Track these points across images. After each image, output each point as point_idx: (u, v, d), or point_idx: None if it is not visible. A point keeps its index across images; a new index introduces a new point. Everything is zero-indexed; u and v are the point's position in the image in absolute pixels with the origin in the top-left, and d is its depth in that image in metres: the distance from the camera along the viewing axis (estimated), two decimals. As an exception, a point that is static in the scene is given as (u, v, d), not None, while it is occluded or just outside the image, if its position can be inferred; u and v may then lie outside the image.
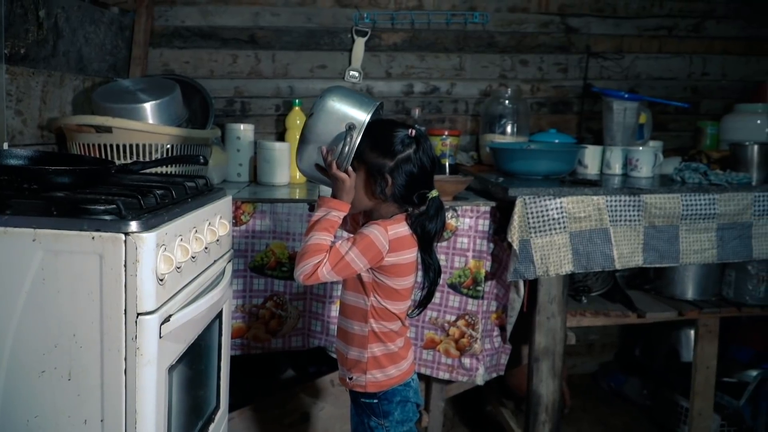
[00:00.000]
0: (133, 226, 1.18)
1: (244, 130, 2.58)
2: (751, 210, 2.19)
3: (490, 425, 2.77)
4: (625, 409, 2.95)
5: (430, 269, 1.59)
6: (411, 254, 1.55)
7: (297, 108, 2.69)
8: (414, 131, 1.52)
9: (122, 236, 1.16)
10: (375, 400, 1.60)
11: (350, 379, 1.61)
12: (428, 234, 1.54)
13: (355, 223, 1.69)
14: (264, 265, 2.18)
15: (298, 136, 2.60)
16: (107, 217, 1.19)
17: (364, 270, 1.51)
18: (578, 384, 3.12)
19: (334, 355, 1.90)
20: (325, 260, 1.45)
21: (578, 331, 3.12)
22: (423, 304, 1.63)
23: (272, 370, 2.71)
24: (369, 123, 1.51)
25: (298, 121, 2.66)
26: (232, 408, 1.99)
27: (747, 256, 2.21)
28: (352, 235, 1.54)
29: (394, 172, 1.49)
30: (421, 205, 1.53)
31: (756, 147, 2.40)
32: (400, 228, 1.52)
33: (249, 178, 2.59)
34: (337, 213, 1.50)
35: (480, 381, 2.27)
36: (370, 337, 1.57)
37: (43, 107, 2.11)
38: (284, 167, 2.51)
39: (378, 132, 1.51)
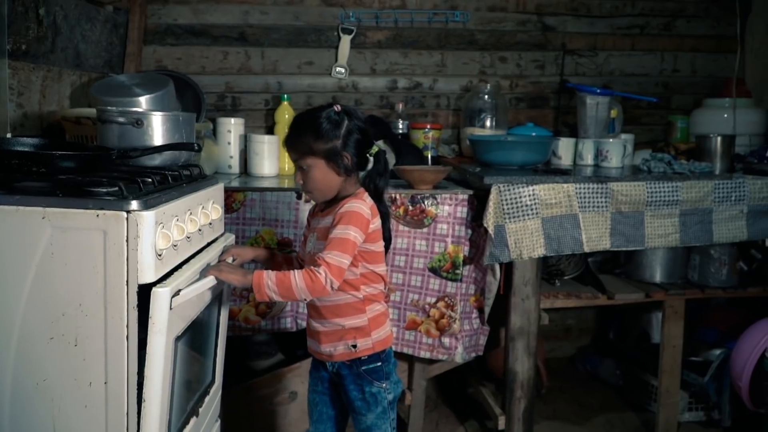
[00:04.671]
0: (134, 204, 1.29)
1: (235, 124, 2.69)
2: (711, 197, 2.33)
3: (471, 406, 2.89)
4: (600, 389, 3.09)
5: (386, 217, 1.73)
6: (379, 220, 1.68)
7: (285, 103, 2.81)
8: (338, 105, 1.65)
9: (124, 214, 1.28)
10: (379, 363, 1.69)
11: (354, 347, 1.66)
12: (379, 188, 1.70)
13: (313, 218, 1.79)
14: (254, 250, 2.30)
15: (286, 130, 2.75)
16: (110, 197, 1.31)
17: (361, 242, 1.60)
18: (556, 367, 3.26)
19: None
20: (320, 270, 1.51)
21: (556, 317, 3.28)
22: (387, 247, 1.74)
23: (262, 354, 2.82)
24: (297, 120, 1.68)
25: (286, 116, 2.78)
26: (224, 387, 2.10)
27: (708, 240, 2.35)
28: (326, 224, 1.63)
29: (346, 147, 1.62)
30: (376, 164, 1.68)
31: (719, 138, 2.54)
32: (368, 199, 1.66)
33: (239, 170, 2.71)
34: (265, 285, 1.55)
35: (459, 359, 2.40)
36: (366, 301, 1.67)
37: (42, 101, 2.22)
38: (273, 159, 2.63)
39: (312, 123, 1.63)
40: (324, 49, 3.01)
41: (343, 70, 3.02)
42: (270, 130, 2.95)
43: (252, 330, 2.35)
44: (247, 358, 2.70)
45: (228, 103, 2.98)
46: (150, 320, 1.32)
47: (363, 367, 1.69)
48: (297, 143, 1.66)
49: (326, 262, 1.52)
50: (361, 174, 1.72)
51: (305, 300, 1.65)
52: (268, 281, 1.53)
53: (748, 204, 2.34)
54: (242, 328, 2.35)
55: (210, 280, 1.52)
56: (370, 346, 1.68)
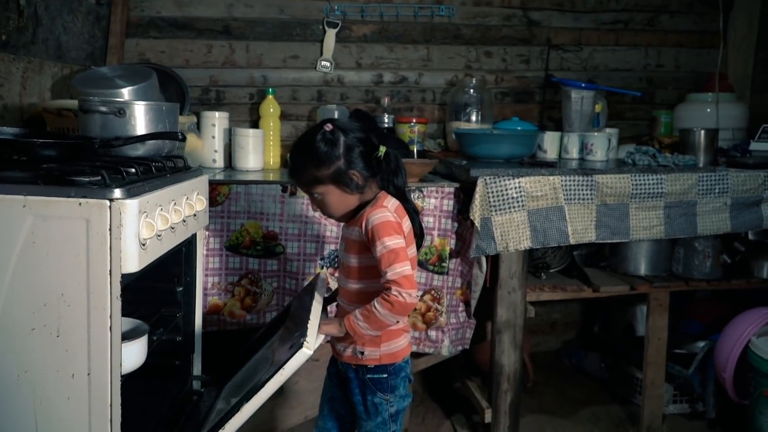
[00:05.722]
0: (117, 193, 1.27)
1: (219, 118, 2.66)
2: (695, 189, 2.34)
3: (457, 400, 2.89)
4: (585, 382, 3.10)
5: (415, 213, 1.67)
6: (408, 219, 1.63)
7: (270, 96, 2.78)
8: (328, 124, 1.58)
9: (107, 202, 1.25)
10: (385, 375, 1.64)
11: (361, 354, 1.63)
12: (399, 187, 1.63)
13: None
14: (239, 244, 2.28)
15: (271, 124, 2.75)
16: (93, 186, 1.29)
17: (403, 243, 1.53)
18: (542, 361, 3.27)
19: None
20: (391, 290, 1.47)
21: (541, 311, 3.29)
22: (420, 243, 1.69)
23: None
24: (293, 150, 1.61)
25: (271, 110, 2.76)
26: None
27: (692, 232, 2.36)
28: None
29: (351, 166, 1.56)
30: (387, 165, 1.61)
31: (702, 132, 2.57)
32: (390, 201, 1.60)
33: (224, 164, 2.68)
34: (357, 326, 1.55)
35: (445, 352, 2.40)
36: None
37: (23, 92, 2.18)
38: (258, 153, 2.61)
39: (308, 151, 1.57)
40: (309, 42, 2.99)
41: (328, 64, 3.01)
42: (255, 125, 2.92)
43: (237, 324, 2.33)
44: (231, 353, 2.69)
45: (212, 97, 2.96)
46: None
47: (368, 375, 1.65)
48: (301, 175, 1.61)
49: (391, 281, 1.48)
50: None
51: (399, 321, 1.58)
52: (357, 322, 1.52)
53: (732, 196, 2.36)
54: (227, 322, 2.32)
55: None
56: (377, 357, 1.63)
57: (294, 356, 1.40)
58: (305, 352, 1.40)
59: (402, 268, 1.49)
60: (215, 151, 2.67)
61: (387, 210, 1.56)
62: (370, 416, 1.66)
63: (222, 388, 1.82)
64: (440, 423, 2.75)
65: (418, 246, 1.69)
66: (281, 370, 1.41)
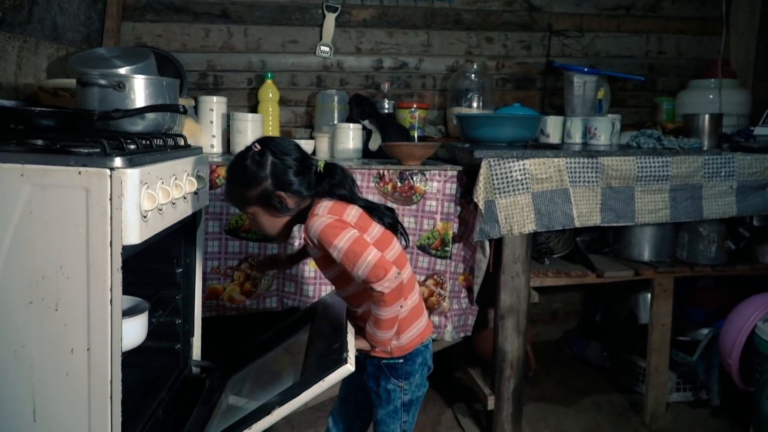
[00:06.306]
0: (118, 161, 1.23)
1: (217, 102, 2.62)
2: (701, 172, 2.32)
3: (458, 389, 2.86)
4: (587, 371, 3.07)
5: (383, 214, 1.61)
6: (354, 209, 1.56)
7: (269, 81, 2.74)
8: (255, 144, 1.54)
9: (108, 171, 1.21)
10: (400, 361, 1.60)
11: (373, 347, 1.59)
12: (346, 197, 1.57)
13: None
14: (238, 227, 2.25)
15: (270, 109, 2.70)
16: (93, 155, 1.25)
17: (357, 234, 1.48)
18: (543, 351, 3.24)
19: None
20: (374, 287, 1.44)
21: (543, 300, 3.25)
22: (394, 227, 1.63)
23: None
24: (227, 171, 1.58)
25: (270, 94, 2.72)
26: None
27: (698, 216, 2.34)
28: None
29: (279, 186, 1.51)
30: (331, 178, 1.56)
31: (707, 116, 2.54)
32: (323, 205, 1.53)
33: (222, 150, 2.64)
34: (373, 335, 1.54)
35: (448, 338, 2.37)
36: None
37: (18, 72, 2.14)
38: (257, 137, 2.56)
39: (237, 174, 1.54)
40: (308, 27, 2.95)
41: (327, 49, 2.97)
42: (253, 110, 2.89)
43: (237, 309, 2.29)
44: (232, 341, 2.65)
45: (210, 82, 2.91)
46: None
47: (384, 361, 1.61)
48: (231, 196, 1.59)
49: (365, 281, 1.45)
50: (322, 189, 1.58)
51: (402, 307, 1.54)
52: (375, 335, 1.52)
53: (738, 180, 2.33)
54: (227, 307, 2.29)
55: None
56: (389, 351, 1.59)
57: (336, 370, 1.40)
58: (348, 368, 1.41)
59: (366, 262, 1.43)
60: (213, 137, 2.62)
61: (318, 217, 1.49)
62: (381, 403, 1.63)
63: (227, 380, 1.79)
64: (442, 412, 2.72)
65: (395, 230, 1.62)
66: (321, 381, 1.40)
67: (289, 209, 1.55)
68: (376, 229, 1.57)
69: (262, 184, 1.51)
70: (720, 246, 2.54)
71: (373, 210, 1.60)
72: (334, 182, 1.56)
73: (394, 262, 1.50)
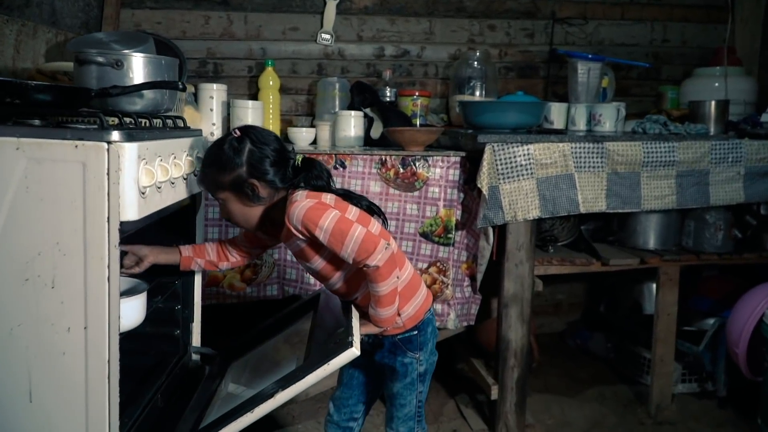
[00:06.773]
0: (116, 135, 1.20)
1: (217, 90, 2.59)
2: (708, 158, 2.29)
3: (461, 380, 2.84)
4: (591, 362, 3.04)
5: (360, 198, 1.60)
6: (329, 196, 1.55)
7: (270, 68, 2.71)
8: (235, 130, 1.52)
9: (105, 145, 1.18)
10: (414, 332, 1.60)
11: (380, 328, 1.57)
12: (323, 186, 1.56)
13: (249, 241, 1.73)
14: (239, 214, 2.21)
15: (271, 96, 2.67)
16: (90, 128, 1.22)
17: (339, 214, 1.46)
18: (546, 342, 3.21)
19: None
20: (367, 263, 1.42)
21: (546, 291, 3.21)
22: (375, 211, 1.62)
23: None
24: (204, 154, 1.55)
25: (270, 82, 2.69)
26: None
27: (705, 202, 2.31)
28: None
29: (253, 174, 1.49)
30: (309, 171, 1.54)
31: (713, 102, 2.51)
32: (300, 194, 1.51)
33: (222, 137, 2.61)
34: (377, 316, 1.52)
35: (451, 326, 2.34)
36: None
37: (16, 56, 2.11)
38: (258, 125, 2.53)
39: (213, 157, 1.52)
40: (309, 14, 2.92)
41: (328, 37, 2.94)
42: (254, 98, 2.85)
43: (237, 297, 2.26)
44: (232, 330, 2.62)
45: (210, 70, 2.89)
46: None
47: (398, 337, 1.61)
48: (204, 179, 1.56)
49: (356, 261, 1.43)
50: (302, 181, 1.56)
51: (399, 278, 1.51)
52: (378, 314, 1.50)
53: (745, 165, 2.30)
54: (227, 295, 2.26)
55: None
56: (401, 325, 1.58)
57: (342, 354, 1.37)
58: (353, 351, 1.37)
59: (353, 239, 1.41)
60: (213, 124, 2.60)
61: (298, 203, 1.46)
62: (398, 377, 1.63)
63: (227, 367, 1.76)
64: (444, 402, 2.69)
65: (372, 213, 1.60)
66: (326, 364, 1.37)
67: (261, 198, 1.52)
68: (354, 210, 1.56)
69: (237, 170, 1.49)
70: (727, 234, 2.51)
71: (349, 197, 1.59)
72: (311, 175, 1.55)
73: (379, 236, 1.48)
